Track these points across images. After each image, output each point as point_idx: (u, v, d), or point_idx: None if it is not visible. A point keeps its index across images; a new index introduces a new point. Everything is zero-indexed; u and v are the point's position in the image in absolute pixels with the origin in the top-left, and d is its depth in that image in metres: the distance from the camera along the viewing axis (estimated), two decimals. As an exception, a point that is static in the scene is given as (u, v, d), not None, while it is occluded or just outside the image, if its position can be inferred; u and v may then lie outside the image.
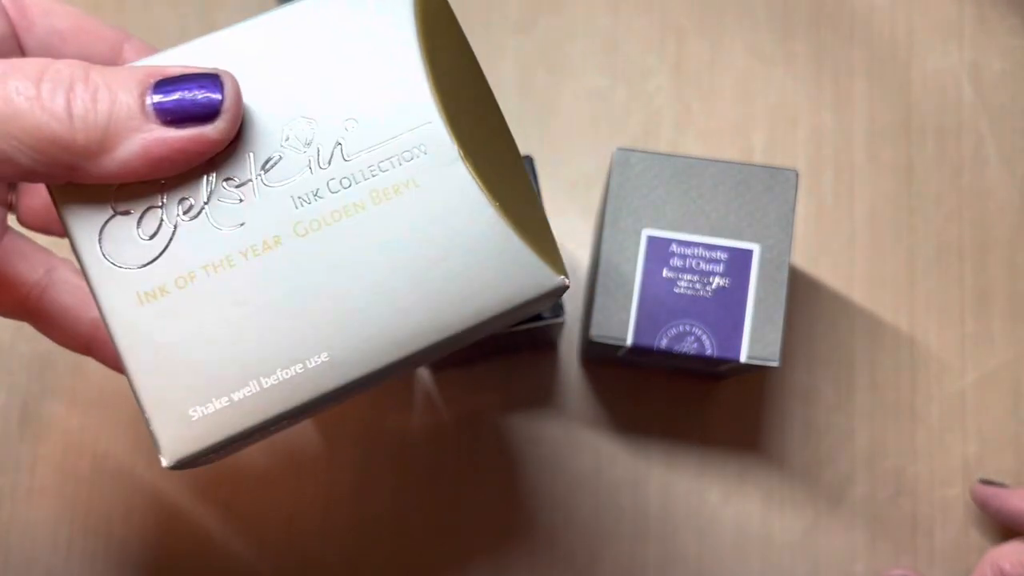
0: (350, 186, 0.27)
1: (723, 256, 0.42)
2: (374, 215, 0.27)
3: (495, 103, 0.30)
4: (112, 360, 0.37)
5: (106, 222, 0.26)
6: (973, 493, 0.50)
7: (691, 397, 0.52)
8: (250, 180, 0.27)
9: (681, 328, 0.42)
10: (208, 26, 0.56)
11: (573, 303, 0.53)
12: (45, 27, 0.31)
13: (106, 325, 0.27)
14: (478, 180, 0.28)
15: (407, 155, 0.28)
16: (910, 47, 0.55)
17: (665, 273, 0.42)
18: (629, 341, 0.41)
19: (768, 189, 0.43)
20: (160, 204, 0.27)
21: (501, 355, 0.51)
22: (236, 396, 0.26)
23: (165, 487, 0.52)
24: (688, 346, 0.41)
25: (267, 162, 0.27)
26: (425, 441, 0.52)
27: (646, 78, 0.55)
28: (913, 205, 0.54)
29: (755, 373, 0.52)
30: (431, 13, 0.29)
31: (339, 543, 0.51)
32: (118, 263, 0.26)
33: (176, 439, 0.26)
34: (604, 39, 0.56)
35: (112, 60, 0.32)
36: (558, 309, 0.40)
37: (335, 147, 0.27)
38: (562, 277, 0.27)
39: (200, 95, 0.25)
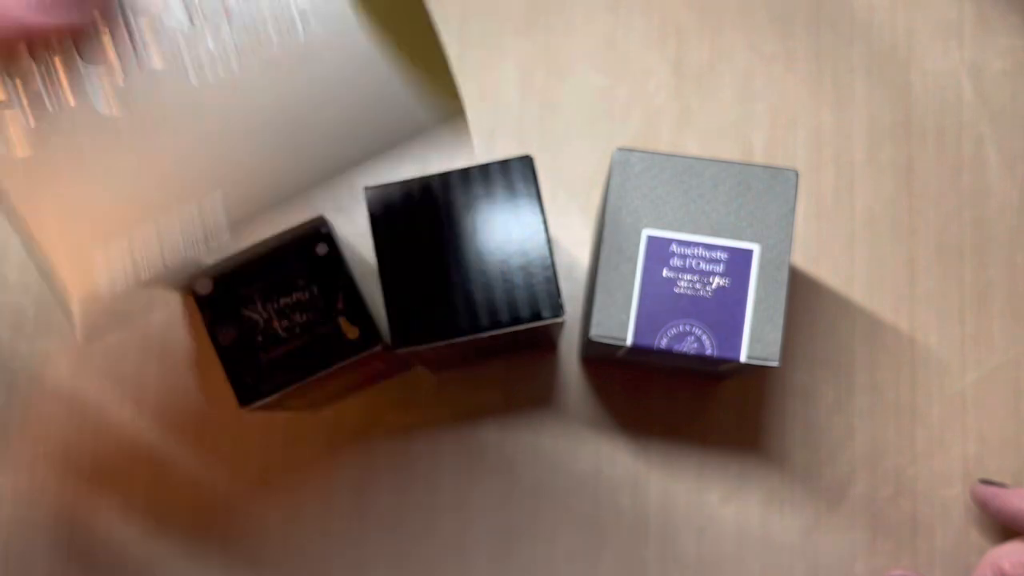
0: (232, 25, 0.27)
1: (723, 256, 0.42)
2: (256, 64, 0.27)
3: None
4: None
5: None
6: (973, 493, 0.50)
7: (691, 397, 0.52)
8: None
9: (681, 328, 0.42)
10: None
11: (573, 303, 0.53)
12: None
13: None
14: (359, 10, 0.27)
15: None
16: (910, 47, 0.55)
17: (665, 273, 0.42)
18: (629, 341, 0.42)
19: (768, 189, 0.43)
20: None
21: (501, 355, 0.51)
22: (137, 234, 0.26)
23: (165, 487, 0.52)
24: (688, 346, 0.42)
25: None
26: (425, 441, 0.52)
27: (646, 78, 0.55)
28: (913, 205, 0.54)
29: (755, 373, 0.52)
30: None
31: (338, 542, 0.51)
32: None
33: (84, 282, 0.26)
34: (604, 39, 0.56)
35: None
36: (558, 309, 0.40)
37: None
38: (449, 105, 0.27)
39: None
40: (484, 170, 0.42)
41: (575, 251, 0.54)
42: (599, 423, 0.52)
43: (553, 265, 0.41)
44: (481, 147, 0.55)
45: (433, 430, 0.52)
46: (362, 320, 0.42)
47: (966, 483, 0.51)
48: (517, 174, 0.42)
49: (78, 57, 0.26)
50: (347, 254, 0.44)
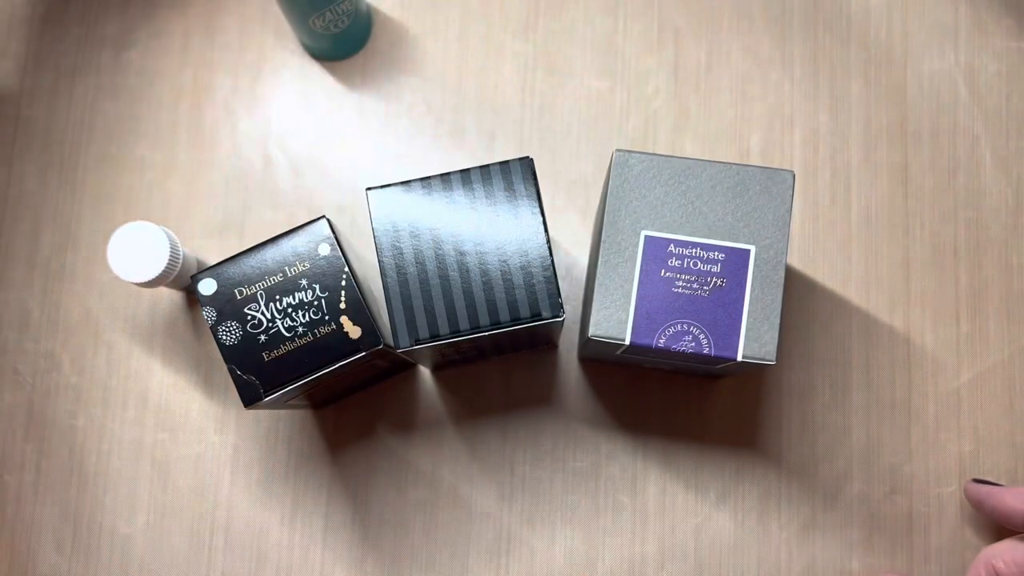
0: None
1: (720, 256, 0.42)
2: None
3: None
4: None
5: None
6: (967, 492, 0.50)
7: (689, 396, 0.53)
8: None
9: (679, 327, 0.42)
10: (211, 32, 0.56)
11: (572, 303, 0.54)
12: None
13: None
14: None
15: None
16: (906, 49, 0.56)
17: (663, 273, 0.42)
18: (627, 340, 0.42)
19: (765, 190, 0.43)
20: None
21: (501, 354, 0.51)
22: None
23: (168, 486, 0.52)
24: (686, 345, 0.42)
25: None
26: (425, 440, 0.53)
27: (644, 80, 0.56)
28: (909, 206, 0.54)
29: (752, 372, 0.53)
30: None
31: (339, 541, 0.52)
32: None
33: None
34: (603, 41, 0.56)
35: None
36: (558, 308, 0.41)
37: None
38: None
39: None
40: (484, 170, 0.42)
41: (574, 251, 0.54)
42: (598, 421, 0.52)
43: (553, 265, 0.41)
44: (481, 147, 0.55)
45: (433, 429, 0.53)
46: (363, 320, 0.42)
47: (961, 481, 0.52)
48: (517, 175, 0.42)
49: None
50: (349, 254, 0.44)
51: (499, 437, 0.52)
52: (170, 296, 0.54)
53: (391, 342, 0.44)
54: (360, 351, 0.42)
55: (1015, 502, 0.47)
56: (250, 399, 0.42)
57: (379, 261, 0.41)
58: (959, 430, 0.52)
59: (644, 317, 0.42)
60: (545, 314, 0.41)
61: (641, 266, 0.42)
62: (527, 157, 0.42)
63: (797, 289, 0.53)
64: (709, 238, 0.43)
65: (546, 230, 0.41)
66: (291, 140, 0.55)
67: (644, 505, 0.52)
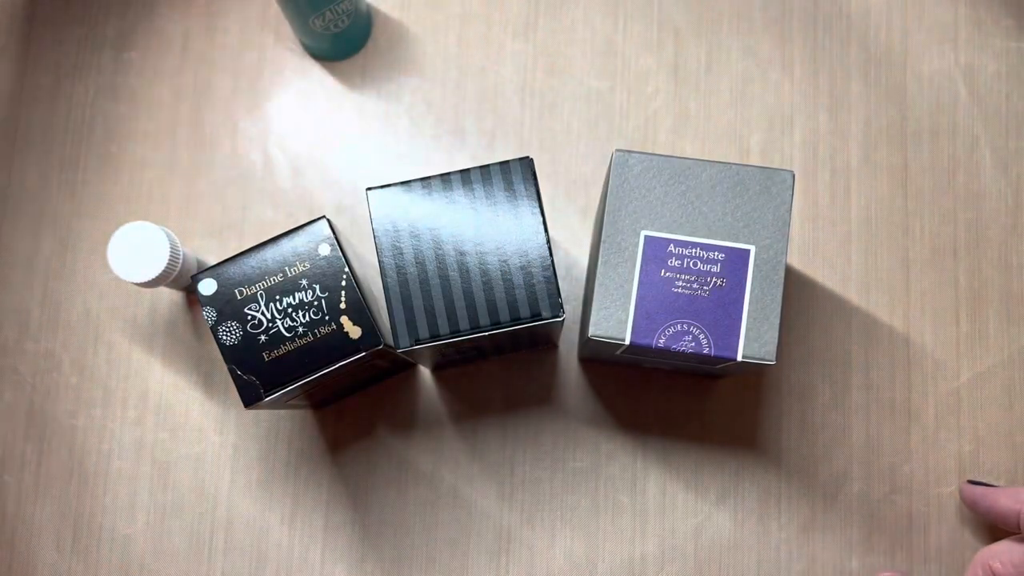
0: None
1: (720, 256, 0.42)
2: None
3: None
4: None
5: None
6: (961, 493, 0.50)
7: (689, 395, 0.53)
8: None
9: (679, 327, 0.42)
10: (211, 32, 0.57)
11: (572, 303, 0.54)
12: None
13: None
14: None
15: None
16: (905, 50, 0.56)
17: (663, 273, 0.42)
18: (627, 340, 0.42)
19: (765, 190, 0.43)
20: None
21: (501, 354, 0.51)
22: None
23: (168, 486, 0.52)
24: (685, 345, 0.42)
25: None
26: (425, 440, 0.53)
27: (644, 80, 0.56)
28: (908, 206, 0.54)
29: (752, 372, 0.53)
30: None
31: (340, 540, 0.52)
32: None
33: None
34: (603, 42, 0.56)
35: None
36: (558, 308, 0.41)
37: None
38: None
39: None
40: (484, 170, 0.42)
41: (574, 251, 0.54)
42: (598, 421, 0.52)
43: (553, 265, 0.41)
44: (481, 147, 0.55)
45: (433, 429, 0.53)
46: (364, 320, 0.42)
47: (961, 481, 0.52)
48: (517, 175, 0.42)
49: None
50: (349, 254, 0.44)
51: (499, 437, 0.52)
52: (170, 296, 0.54)
53: (391, 342, 0.44)
54: (360, 351, 0.42)
55: (1009, 503, 0.47)
56: (250, 399, 0.42)
57: (379, 261, 0.41)
58: (959, 430, 0.52)
59: (644, 317, 0.42)
60: (545, 314, 0.41)
61: (641, 266, 0.42)
62: (527, 157, 0.42)
63: (797, 289, 0.53)
64: (709, 238, 0.43)
65: (546, 230, 0.41)
66: (291, 140, 0.55)
67: (644, 505, 0.52)
